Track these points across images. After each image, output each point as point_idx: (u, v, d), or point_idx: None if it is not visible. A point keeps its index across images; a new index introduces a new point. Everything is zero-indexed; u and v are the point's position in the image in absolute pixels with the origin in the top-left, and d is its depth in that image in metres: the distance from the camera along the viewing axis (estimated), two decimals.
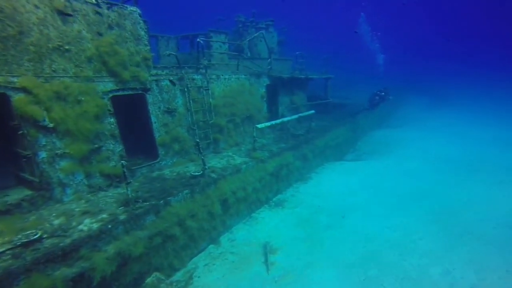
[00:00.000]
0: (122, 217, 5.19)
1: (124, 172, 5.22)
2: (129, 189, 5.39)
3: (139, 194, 5.95)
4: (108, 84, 5.97)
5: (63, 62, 5.21)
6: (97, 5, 5.48)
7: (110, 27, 5.76)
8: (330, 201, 9.15)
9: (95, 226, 4.74)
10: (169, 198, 6.05)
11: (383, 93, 18.38)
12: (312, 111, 10.69)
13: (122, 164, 5.14)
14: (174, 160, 7.90)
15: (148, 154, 7.87)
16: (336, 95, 23.98)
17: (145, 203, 5.72)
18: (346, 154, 14.87)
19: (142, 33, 6.31)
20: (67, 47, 5.19)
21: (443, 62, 59.99)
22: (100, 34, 5.62)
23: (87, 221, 4.88)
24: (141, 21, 6.26)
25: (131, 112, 8.10)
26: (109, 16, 5.72)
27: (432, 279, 5.53)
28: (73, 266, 4.05)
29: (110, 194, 6.14)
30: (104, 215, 5.13)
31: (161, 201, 5.90)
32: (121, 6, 5.87)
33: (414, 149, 14.12)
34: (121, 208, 5.48)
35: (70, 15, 5.10)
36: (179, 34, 11.54)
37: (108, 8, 5.68)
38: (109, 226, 4.84)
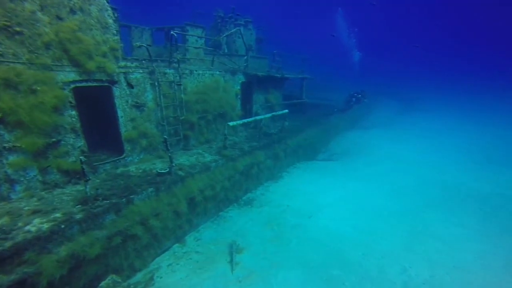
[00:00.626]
0: (78, 216, 4.91)
1: (82, 169, 4.93)
2: (88, 186, 5.12)
3: (99, 191, 5.64)
4: (69, 74, 5.55)
5: (13, 45, 4.76)
6: None
7: (72, 11, 5.32)
8: (300, 201, 9.31)
9: (45, 226, 4.42)
10: (131, 196, 5.81)
11: (359, 95, 18.99)
12: (286, 111, 10.75)
13: (80, 160, 4.84)
14: (141, 157, 7.60)
15: (114, 150, 7.52)
16: (313, 96, 24.40)
17: (105, 201, 5.45)
18: (318, 154, 15.21)
19: (110, 21, 5.92)
20: (17, 28, 4.73)
21: (417, 67, 63.43)
22: (60, 18, 5.18)
23: (36, 221, 4.55)
24: (108, 8, 5.86)
25: (97, 105, 7.68)
26: None
27: (390, 278, 5.82)
28: (13, 273, 3.74)
29: (68, 191, 5.78)
30: (58, 214, 4.81)
31: (123, 199, 5.65)
32: None
33: (383, 151, 14.82)
34: (78, 206, 5.18)
35: None
36: (154, 26, 11.05)
37: None
38: (62, 226, 4.55)
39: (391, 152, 14.64)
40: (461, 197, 9.38)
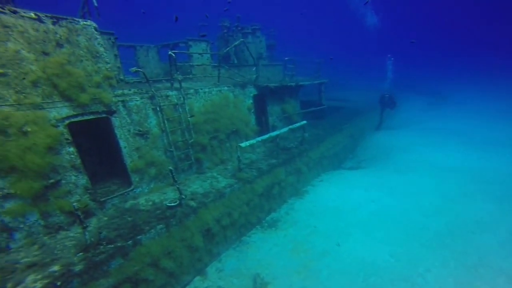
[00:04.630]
0: (78, 267, 4.41)
1: (79, 216, 4.45)
2: (88, 232, 4.65)
3: (102, 235, 5.15)
4: (62, 110, 5.17)
5: None
6: (39, 20, 4.66)
7: (58, 45, 4.94)
8: (327, 220, 8.35)
9: (38, 286, 3.93)
10: (138, 237, 5.25)
11: (394, 100, 17.81)
12: (304, 122, 9.85)
13: (74, 207, 4.36)
14: (151, 186, 7.11)
15: (124, 180, 7.11)
16: (332, 97, 23.19)
17: (109, 246, 4.94)
18: (345, 161, 14.08)
19: (101, 49, 5.49)
20: (1, 70, 4.39)
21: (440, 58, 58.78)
22: (46, 54, 4.81)
23: (30, 278, 4.08)
24: (98, 36, 5.44)
25: (100, 133, 7.35)
26: (56, 33, 4.91)
27: None
28: None
29: (72, 234, 5.35)
30: (55, 268, 4.33)
31: (129, 242, 5.11)
32: (71, 21, 5.04)
33: (415, 156, 13.16)
34: (79, 254, 4.69)
35: None
36: (159, 43, 10.77)
37: (54, 23, 4.86)
38: (58, 284, 4.04)
39: (424, 157, 12.89)
40: None
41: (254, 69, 9.50)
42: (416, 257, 6.34)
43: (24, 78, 4.50)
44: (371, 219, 8.15)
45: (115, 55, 6.30)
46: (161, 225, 5.67)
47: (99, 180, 7.46)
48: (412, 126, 19.96)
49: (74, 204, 4.36)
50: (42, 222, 5.18)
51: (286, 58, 11.17)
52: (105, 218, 5.94)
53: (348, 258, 6.62)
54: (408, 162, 12.50)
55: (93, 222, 5.73)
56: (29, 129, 4.69)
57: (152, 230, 5.51)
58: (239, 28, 11.71)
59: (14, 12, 4.57)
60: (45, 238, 5.19)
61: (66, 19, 4.98)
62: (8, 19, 4.38)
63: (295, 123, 10.21)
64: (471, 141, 14.90)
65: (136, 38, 11.25)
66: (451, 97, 32.50)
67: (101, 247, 4.90)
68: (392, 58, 17.90)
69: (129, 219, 5.88)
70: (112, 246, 4.96)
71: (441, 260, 6.15)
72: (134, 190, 6.77)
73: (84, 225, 4.56)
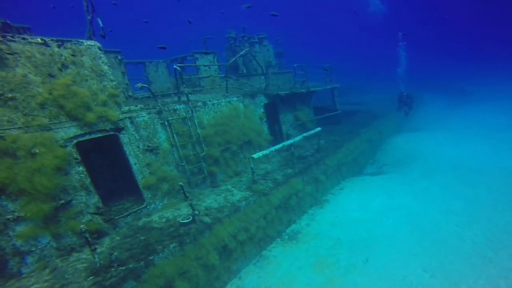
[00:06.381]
0: None
1: (87, 239, 4.29)
2: (99, 254, 4.49)
3: (113, 256, 4.95)
4: (70, 130, 5.14)
5: (7, 112, 4.44)
6: (45, 44, 4.71)
7: (64, 66, 4.98)
8: (351, 231, 7.79)
9: None
10: (151, 258, 5.02)
11: (408, 100, 17.49)
12: (319, 128, 9.46)
13: (81, 229, 4.20)
14: (165, 202, 6.93)
15: (137, 197, 6.99)
16: (346, 101, 22.51)
17: (121, 268, 4.73)
18: (366, 166, 13.40)
19: (105, 67, 5.50)
20: (10, 95, 4.42)
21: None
22: (52, 76, 4.84)
23: None
24: (102, 55, 5.46)
25: (112, 150, 7.32)
26: (61, 55, 4.95)
27: None
28: None
29: (84, 256, 5.20)
30: None
31: (141, 263, 4.89)
32: (76, 42, 5.09)
33: (441, 158, 12.28)
34: (90, 278, 4.50)
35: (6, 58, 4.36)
36: (168, 58, 10.89)
37: (59, 46, 4.91)
38: None
39: (449, 159, 12.01)
40: None
41: (263, 77, 9.31)
42: (454, 272, 5.63)
43: (23, 101, 4.50)
44: (398, 228, 7.51)
45: (123, 73, 6.34)
46: (174, 244, 5.43)
47: (114, 198, 7.39)
48: (433, 126, 18.96)
49: (81, 226, 4.21)
50: (54, 244, 5.10)
51: (295, 65, 10.94)
52: (118, 238, 5.78)
53: (376, 274, 6.04)
54: (432, 165, 11.68)
55: (105, 242, 5.58)
56: (37, 151, 4.67)
57: (165, 250, 5.28)
58: (246, 38, 11.72)
59: (23, 39, 4.66)
60: (57, 261, 5.07)
61: (70, 41, 5.04)
62: (17, 46, 4.46)
63: (310, 130, 9.85)
64: (500, 141, 13.77)
65: (147, 55, 11.46)
66: (475, 93, 30.79)
67: (112, 269, 4.71)
68: (405, 42, 17.29)
69: (142, 238, 5.69)
70: (124, 268, 4.75)
71: (486, 277, 5.38)
72: (147, 207, 6.62)
73: (93, 248, 4.39)
